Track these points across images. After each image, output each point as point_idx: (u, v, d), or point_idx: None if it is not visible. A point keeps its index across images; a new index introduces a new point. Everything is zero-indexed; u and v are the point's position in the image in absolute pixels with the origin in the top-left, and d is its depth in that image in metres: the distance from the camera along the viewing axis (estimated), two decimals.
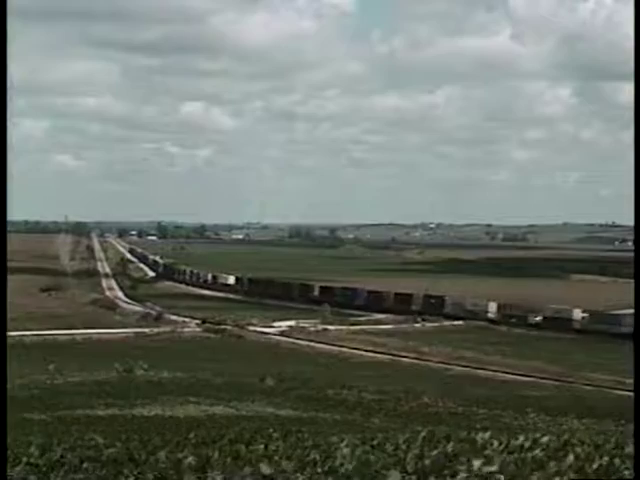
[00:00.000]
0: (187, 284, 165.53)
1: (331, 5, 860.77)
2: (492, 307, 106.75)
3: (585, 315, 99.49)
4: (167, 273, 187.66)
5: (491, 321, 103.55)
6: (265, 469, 6.48)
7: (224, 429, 15.77)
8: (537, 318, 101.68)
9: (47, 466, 6.84)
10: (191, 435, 11.08)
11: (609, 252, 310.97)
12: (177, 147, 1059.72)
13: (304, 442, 8.95)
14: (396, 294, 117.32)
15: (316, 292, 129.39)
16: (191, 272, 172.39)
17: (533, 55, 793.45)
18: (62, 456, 7.22)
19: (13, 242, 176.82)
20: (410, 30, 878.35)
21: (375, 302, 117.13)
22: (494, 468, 6.56)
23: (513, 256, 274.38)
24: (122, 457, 7.12)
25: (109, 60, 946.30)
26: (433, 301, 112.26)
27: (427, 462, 6.79)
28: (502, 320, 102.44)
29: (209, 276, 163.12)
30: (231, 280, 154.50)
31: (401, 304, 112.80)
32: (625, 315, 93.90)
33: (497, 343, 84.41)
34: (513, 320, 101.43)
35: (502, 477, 6.43)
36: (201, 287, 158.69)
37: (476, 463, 6.61)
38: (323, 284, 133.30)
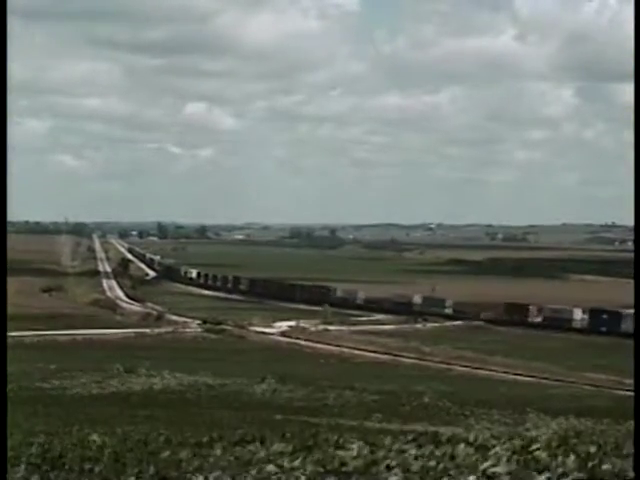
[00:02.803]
0: (187, 284, 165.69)
1: (335, 5, 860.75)
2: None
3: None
4: (168, 273, 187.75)
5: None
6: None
7: None
8: None
9: None
10: None
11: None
12: (179, 147, 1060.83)
13: None
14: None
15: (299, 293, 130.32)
16: (193, 272, 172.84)
17: (536, 55, 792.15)
18: None
19: (13, 243, 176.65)
20: (414, 30, 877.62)
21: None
22: None
23: (527, 257, 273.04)
24: None
25: (112, 60, 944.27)
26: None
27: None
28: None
29: (210, 276, 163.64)
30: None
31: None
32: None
33: None
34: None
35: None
36: (202, 287, 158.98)
37: None
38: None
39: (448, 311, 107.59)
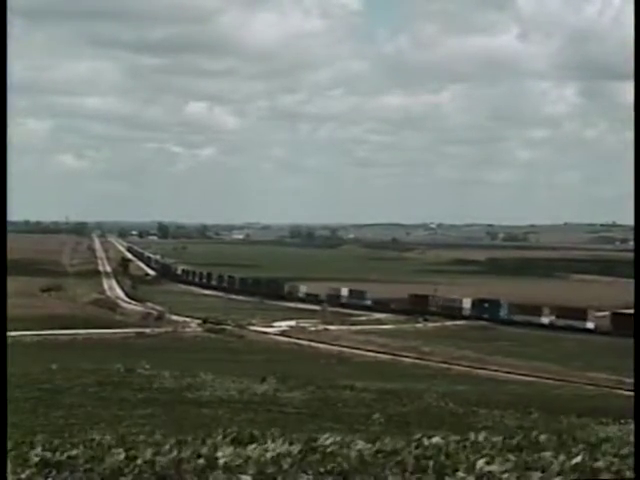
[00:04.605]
0: (188, 284, 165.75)
1: (338, 4, 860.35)
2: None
3: None
4: (168, 272, 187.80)
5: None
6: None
7: None
8: None
9: None
10: None
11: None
12: (180, 147, 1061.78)
13: None
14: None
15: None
16: (193, 272, 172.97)
17: (539, 54, 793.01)
18: None
19: (13, 242, 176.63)
20: (416, 29, 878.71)
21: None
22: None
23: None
24: None
25: (113, 60, 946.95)
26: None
27: None
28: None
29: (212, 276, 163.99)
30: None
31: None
32: None
33: None
34: None
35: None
36: (202, 287, 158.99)
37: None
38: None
39: (368, 303, 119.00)
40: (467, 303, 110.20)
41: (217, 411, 27.70)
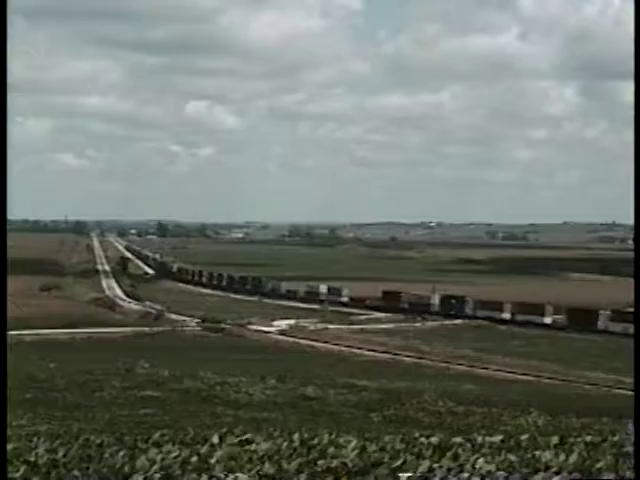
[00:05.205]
0: (187, 283, 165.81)
1: (339, 4, 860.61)
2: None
3: None
4: (167, 271, 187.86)
5: None
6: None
7: None
8: None
9: None
10: None
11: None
12: (180, 146, 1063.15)
13: None
14: None
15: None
16: (192, 271, 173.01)
17: (539, 54, 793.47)
18: None
19: (12, 241, 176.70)
20: (417, 29, 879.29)
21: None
22: None
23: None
24: None
25: (114, 59, 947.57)
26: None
27: None
28: None
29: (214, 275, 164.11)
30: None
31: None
32: None
33: None
34: None
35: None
36: (201, 285, 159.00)
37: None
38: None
39: (344, 299, 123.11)
40: (436, 299, 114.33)
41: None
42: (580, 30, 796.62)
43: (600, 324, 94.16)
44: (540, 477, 6.37)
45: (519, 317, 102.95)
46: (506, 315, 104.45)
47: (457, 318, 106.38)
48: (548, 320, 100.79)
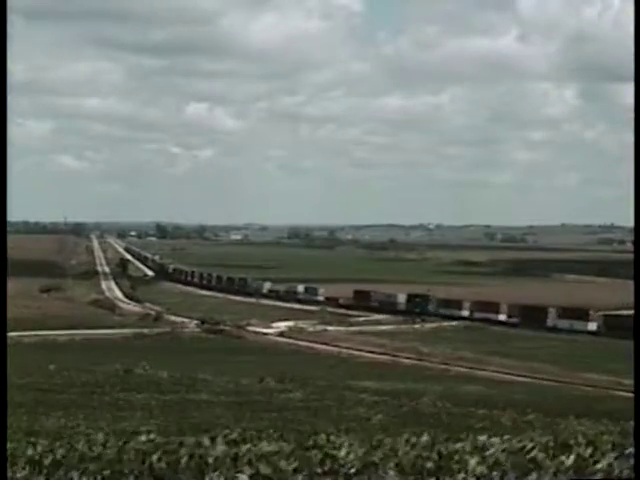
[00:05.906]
0: (186, 284, 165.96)
1: (339, 6, 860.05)
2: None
3: None
4: (166, 273, 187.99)
5: None
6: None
7: None
8: None
9: None
10: None
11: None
12: (179, 148, 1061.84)
13: None
14: None
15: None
16: (192, 273, 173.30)
17: (539, 56, 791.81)
18: None
19: (11, 243, 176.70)
20: (417, 31, 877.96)
21: None
22: None
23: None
24: None
25: (114, 61, 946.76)
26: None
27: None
28: None
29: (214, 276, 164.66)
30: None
31: None
32: None
33: None
34: None
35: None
36: (200, 287, 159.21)
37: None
38: None
39: (320, 298, 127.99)
40: (402, 298, 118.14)
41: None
42: (580, 32, 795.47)
43: (549, 321, 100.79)
44: (534, 477, 6.51)
45: (477, 314, 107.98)
46: (465, 312, 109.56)
47: (423, 315, 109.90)
48: (502, 317, 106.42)
